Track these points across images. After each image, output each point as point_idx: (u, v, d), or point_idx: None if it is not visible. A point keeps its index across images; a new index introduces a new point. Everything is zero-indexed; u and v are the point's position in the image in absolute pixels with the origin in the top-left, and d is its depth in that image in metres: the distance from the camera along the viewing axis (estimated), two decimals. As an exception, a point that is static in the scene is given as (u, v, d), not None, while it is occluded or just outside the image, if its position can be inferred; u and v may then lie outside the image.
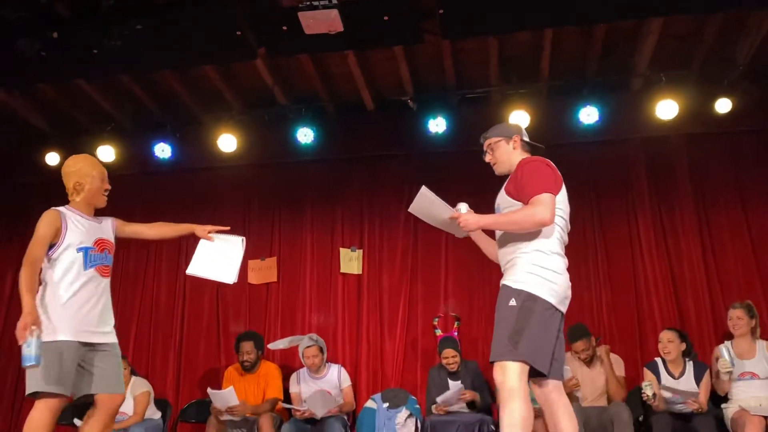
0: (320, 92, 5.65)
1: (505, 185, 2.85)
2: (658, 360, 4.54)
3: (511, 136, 2.95)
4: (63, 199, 6.87)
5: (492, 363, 2.63)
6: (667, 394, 4.21)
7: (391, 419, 5.02)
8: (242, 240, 3.38)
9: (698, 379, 4.36)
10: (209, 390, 4.73)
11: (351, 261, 5.84)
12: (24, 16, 4.68)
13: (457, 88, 5.59)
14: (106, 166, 6.06)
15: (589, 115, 5.28)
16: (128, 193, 6.37)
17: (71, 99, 5.80)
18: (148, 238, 3.57)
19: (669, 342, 4.45)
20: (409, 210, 2.83)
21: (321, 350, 5.03)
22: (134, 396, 5.03)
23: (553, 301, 2.65)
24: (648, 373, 4.49)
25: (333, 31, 4.26)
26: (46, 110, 6.03)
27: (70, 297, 3.01)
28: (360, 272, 5.82)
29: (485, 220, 2.77)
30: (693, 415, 4.20)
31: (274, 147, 5.96)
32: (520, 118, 5.27)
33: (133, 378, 5.15)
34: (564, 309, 2.76)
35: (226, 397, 4.61)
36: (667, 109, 5.16)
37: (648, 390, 4.17)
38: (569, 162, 5.68)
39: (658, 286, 5.33)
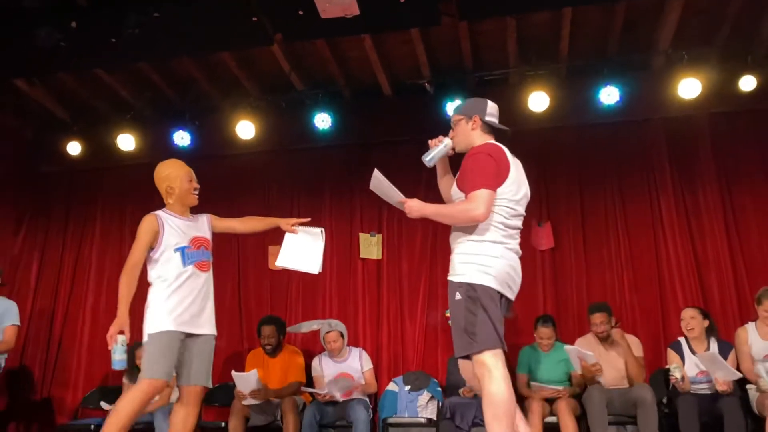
0: (337, 77, 5.64)
1: (457, 175, 2.89)
2: (682, 339, 4.50)
3: (472, 116, 2.93)
4: (86, 188, 6.98)
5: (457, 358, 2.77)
6: (708, 357, 4.15)
7: (413, 401, 5.05)
8: (321, 231, 3.56)
9: (723, 358, 4.30)
10: (233, 373, 4.78)
11: (370, 246, 5.85)
12: (43, 5, 4.72)
13: (474, 70, 5.53)
14: (125, 154, 6.23)
15: (609, 95, 5.19)
16: (148, 181, 6.39)
17: (91, 88, 5.86)
18: (239, 233, 3.78)
19: (691, 318, 4.40)
20: (370, 188, 2.93)
21: (341, 335, 5.06)
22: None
23: (493, 285, 2.69)
24: (672, 354, 4.45)
25: (349, 15, 4.24)
26: (67, 100, 6.10)
27: (171, 293, 3.24)
28: (380, 257, 5.83)
29: (427, 209, 2.85)
30: (718, 396, 4.16)
31: (292, 133, 5.97)
32: (539, 99, 5.23)
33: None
34: (509, 294, 2.78)
35: (248, 380, 4.66)
36: (689, 87, 5.06)
37: (677, 372, 4.13)
38: (589, 143, 5.68)
39: (681, 267, 5.27)
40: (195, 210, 3.57)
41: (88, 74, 5.61)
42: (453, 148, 3.00)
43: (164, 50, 5.06)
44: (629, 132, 5.62)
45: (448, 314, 5.35)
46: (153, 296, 3.27)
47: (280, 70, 5.48)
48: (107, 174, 6.54)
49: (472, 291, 2.67)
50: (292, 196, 6.17)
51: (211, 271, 3.43)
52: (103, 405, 5.00)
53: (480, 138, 2.92)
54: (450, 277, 2.78)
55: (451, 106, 5.39)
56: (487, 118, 2.93)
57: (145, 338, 3.22)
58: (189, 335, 3.26)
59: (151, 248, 3.32)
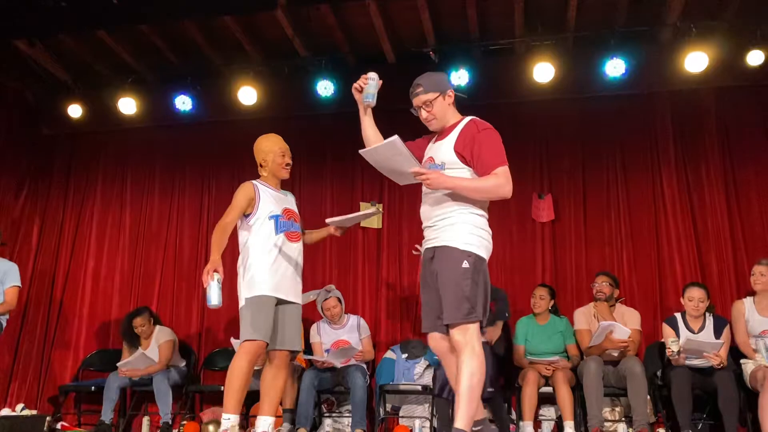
0: (340, 44, 5.58)
1: (453, 143, 2.81)
2: (677, 315, 4.52)
3: (446, 91, 2.90)
4: (87, 151, 6.96)
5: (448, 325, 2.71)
6: (691, 345, 4.19)
7: (410, 369, 5.11)
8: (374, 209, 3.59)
9: (718, 334, 4.33)
10: (232, 340, 4.82)
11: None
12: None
13: (480, 39, 5.47)
14: (126, 118, 6.20)
15: (615, 67, 5.15)
16: (149, 145, 6.45)
17: (92, 50, 5.81)
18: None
19: (701, 302, 4.37)
20: (364, 151, 2.85)
21: (339, 301, 5.09)
22: (158, 344, 5.16)
23: (487, 259, 2.80)
24: (667, 329, 4.46)
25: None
26: (68, 61, 6.05)
27: (267, 259, 3.42)
28: (380, 227, 5.84)
29: (452, 182, 2.73)
30: (712, 369, 4.20)
31: (294, 100, 5.92)
32: (544, 70, 5.19)
33: (158, 327, 5.28)
34: None
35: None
36: (696, 61, 5.03)
37: (674, 346, 4.15)
38: (593, 115, 5.65)
39: (681, 242, 5.28)
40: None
41: (89, 36, 5.55)
42: (425, 119, 2.94)
43: (166, 13, 5.01)
44: (634, 105, 5.59)
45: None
46: (249, 261, 3.42)
47: (283, 35, 5.42)
48: (108, 137, 6.53)
49: (479, 263, 2.72)
50: (293, 164, 6.12)
51: (301, 243, 3.59)
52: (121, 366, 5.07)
53: (454, 113, 2.92)
54: (453, 244, 2.72)
55: (455, 75, 5.35)
56: (455, 91, 2.94)
57: (242, 303, 3.38)
58: (281, 302, 3.43)
59: (246, 215, 3.48)
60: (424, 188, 2.91)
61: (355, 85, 2.97)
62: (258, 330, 3.29)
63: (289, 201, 3.67)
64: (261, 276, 3.38)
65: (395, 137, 2.72)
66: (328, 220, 3.55)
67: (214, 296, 3.15)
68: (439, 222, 2.80)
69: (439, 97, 2.88)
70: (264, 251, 3.42)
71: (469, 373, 2.62)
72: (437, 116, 2.90)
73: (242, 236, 3.53)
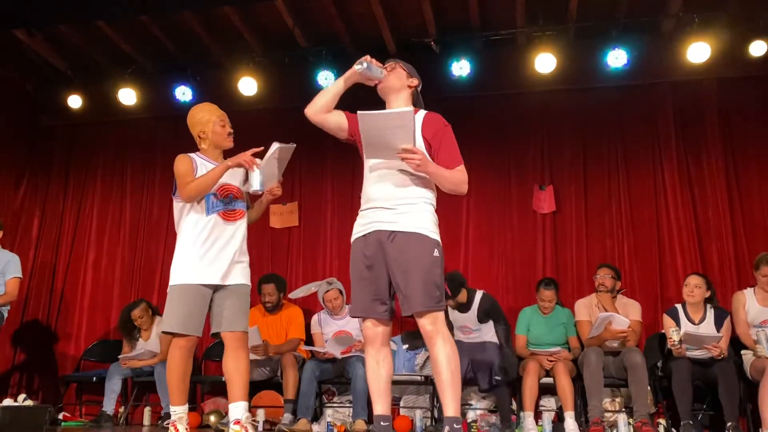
0: (341, 34, 5.55)
1: (419, 127, 2.77)
2: (678, 306, 4.52)
3: (413, 76, 2.92)
4: (87, 142, 6.94)
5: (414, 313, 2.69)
6: (690, 338, 4.19)
7: (411, 360, 5.11)
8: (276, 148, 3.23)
9: (718, 325, 4.34)
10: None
11: (372, 206, 5.83)
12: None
13: (481, 29, 5.45)
14: (126, 108, 6.17)
15: (617, 58, 5.14)
16: (149, 136, 6.43)
17: (92, 41, 5.79)
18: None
19: (696, 287, 4.38)
20: (370, 113, 2.60)
21: (340, 292, 5.09)
22: (159, 335, 5.17)
23: None
24: (668, 320, 4.47)
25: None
26: (67, 52, 6.03)
27: (193, 244, 3.17)
28: (381, 217, 5.82)
29: (434, 168, 2.71)
30: (712, 360, 4.21)
31: (295, 91, 5.88)
32: (546, 60, 5.17)
33: (158, 318, 5.28)
34: None
35: (249, 336, 4.70)
36: (698, 51, 5.01)
37: (675, 335, 4.15)
38: (595, 106, 5.63)
39: (682, 234, 5.27)
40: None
41: (88, 26, 5.53)
42: (379, 81, 2.87)
43: (166, 3, 4.99)
44: (635, 96, 5.57)
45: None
46: (177, 247, 3.21)
47: (283, 25, 5.39)
48: (108, 128, 6.51)
49: (442, 251, 2.77)
50: (294, 154, 6.09)
51: (241, 221, 3.29)
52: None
53: (407, 100, 2.89)
54: (423, 232, 2.71)
55: (456, 66, 5.34)
56: (419, 90, 2.94)
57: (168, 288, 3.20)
58: (219, 287, 3.19)
59: None
60: (375, 165, 2.82)
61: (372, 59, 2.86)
62: (171, 321, 3.11)
63: (234, 175, 3.31)
64: (184, 263, 3.15)
65: (410, 110, 2.60)
66: (250, 190, 3.20)
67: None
68: (402, 206, 2.73)
69: (405, 73, 2.89)
70: (193, 234, 3.16)
71: (446, 360, 2.64)
72: (389, 83, 2.87)
73: (176, 215, 3.28)
